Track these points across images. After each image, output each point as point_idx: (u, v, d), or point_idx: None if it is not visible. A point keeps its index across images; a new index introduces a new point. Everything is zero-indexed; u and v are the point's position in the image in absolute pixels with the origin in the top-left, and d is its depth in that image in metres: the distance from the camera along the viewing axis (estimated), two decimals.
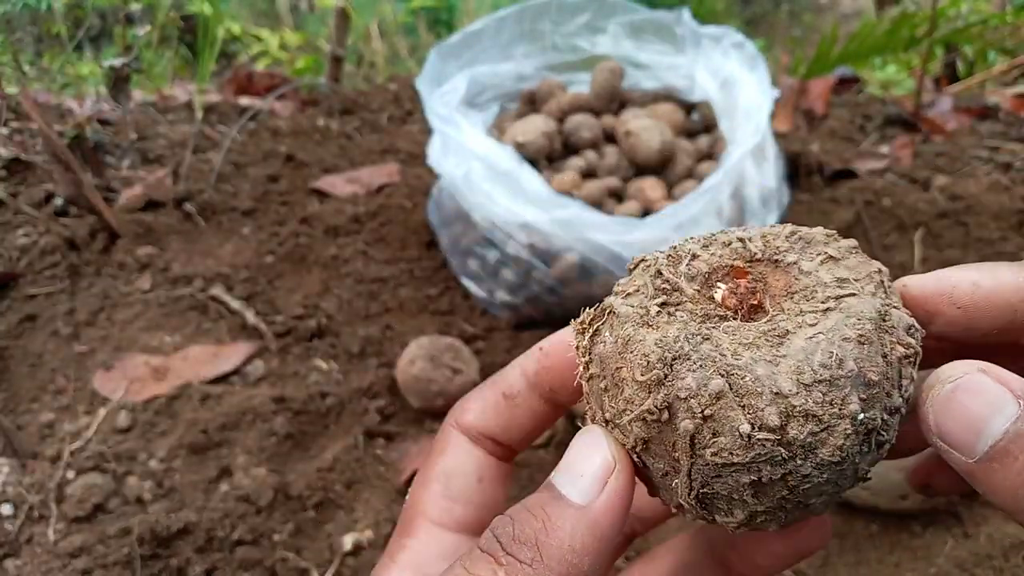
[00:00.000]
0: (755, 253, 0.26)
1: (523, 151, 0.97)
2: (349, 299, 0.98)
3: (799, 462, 0.22)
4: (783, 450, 0.22)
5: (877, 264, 0.26)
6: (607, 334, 0.25)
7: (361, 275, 1.02)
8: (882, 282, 0.25)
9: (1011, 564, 0.73)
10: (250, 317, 0.91)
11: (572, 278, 0.91)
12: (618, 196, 1.01)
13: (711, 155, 1.07)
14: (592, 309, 0.27)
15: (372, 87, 1.59)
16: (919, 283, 0.26)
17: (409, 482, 0.79)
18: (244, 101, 1.45)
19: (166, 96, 1.58)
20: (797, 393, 0.22)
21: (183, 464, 0.75)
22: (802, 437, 0.22)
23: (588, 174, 1.03)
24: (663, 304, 0.25)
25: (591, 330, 0.26)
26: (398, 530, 0.29)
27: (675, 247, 0.28)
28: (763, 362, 0.22)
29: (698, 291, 0.26)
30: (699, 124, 1.10)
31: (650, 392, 0.23)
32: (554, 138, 1.02)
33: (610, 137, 1.06)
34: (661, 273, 0.26)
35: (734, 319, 0.25)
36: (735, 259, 0.26)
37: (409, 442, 0.84)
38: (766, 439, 0.22)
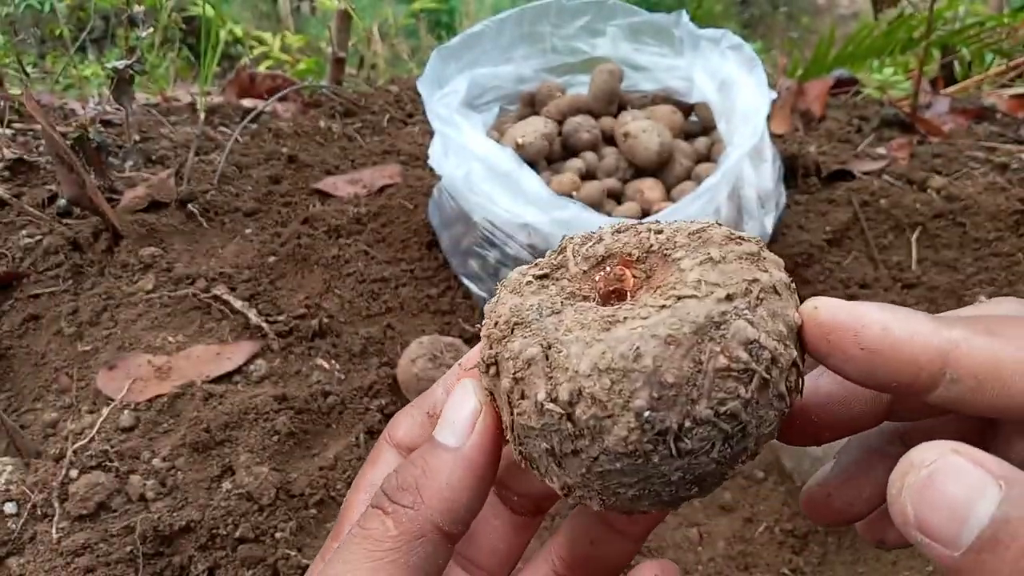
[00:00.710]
0: (651, 246, 0.27)
1: (523, 152, 0.98)
2: (351, 299, 0.99)
3: (587, 443, 0.23)
4: (570, 425, 0.23)
5: (774, 276, 0.25)
6: (490, 323, 0.27)
7: (362, 275, 1.03)
8: (753, 294, 0.24)
9: None
10: (252, 317, 0.91)
11: None
12: (617, 197, 1.02)
13: (709, 156, 1.07)
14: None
15: (373, 89, 1.60)
16: (830, 311, 0.24)
17: None
18: (246, 103, 1.46)
19: (169, 98, 1.59)
20: (589, 376, 0.23)
21: (186, 463, 0.76)
22: (585, 418, 0.23)
23: (587, 175, 1.03)
24: (543, 276, 0.27)
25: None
26: (332, 533, 0.30)
27: (598, 229, 0.29)
28: (581, 342, 0.24)
29: (584, 272, 0.27)
30: (697, 126, 1.11)
31: (490, 348, 0.26)
32: (553, 140, 1.03)
33: (609, 139, 1.07)
34: (564, 250, 0.28)
35: (595, 302, 0.26)
36: (632, 249, 0.27)
37: None
38: (554, 410, 0.23)
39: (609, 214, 0.97)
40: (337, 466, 0.79)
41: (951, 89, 1.75)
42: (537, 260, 0.29)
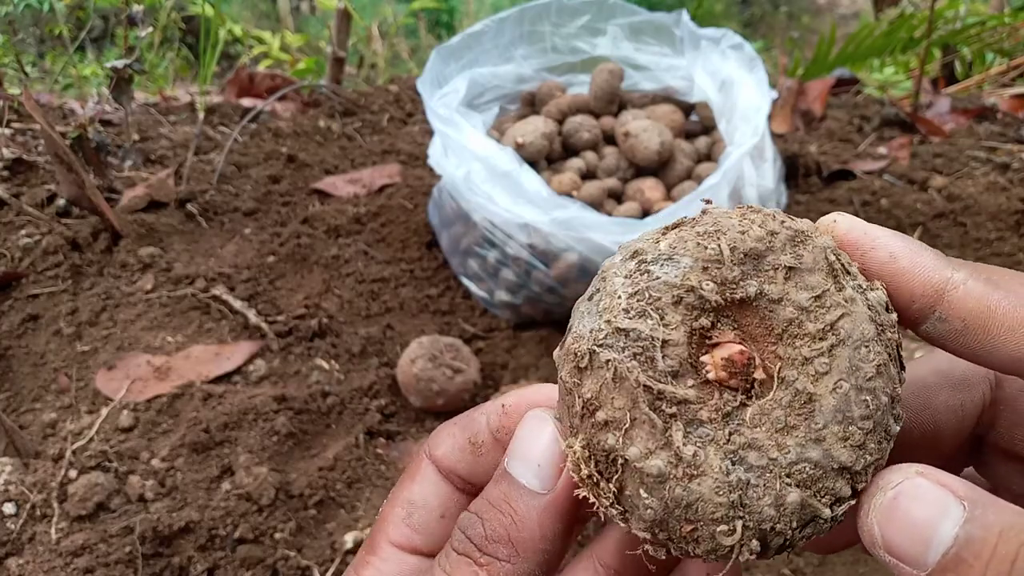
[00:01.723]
0: (713, 300, 0.23)
1: (523, 152, 0.98)
2: (350, 299, 0.99)
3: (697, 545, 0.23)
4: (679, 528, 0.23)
5: (818, 240, 0.24)
6: (642, 493, 0.22)
7: (362, 275, 1.02)
8: (832, 262, 0.24)
9: None
10: (252, 317, 0.91)
11: (572, 278, 0.92)
12: (617, 197, 1.02)
13: (710, 156, 1.07)
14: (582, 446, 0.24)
15: (373, 88, 1.59)
16: (846, 227, 0.25)
17: None
18: (246, 102, 1.46)
19: (168, 97, 1.59)
20: (856, 458, 0.22)
21: (185, 463, 0.76)
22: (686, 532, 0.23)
23: (587, 175, 1.03)
24: (672, 418, 0.22)
25: (593, 473, 0.24)
26: (365, 544, 0.30)
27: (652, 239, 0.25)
28: (810, 444, 0.22)
29: (694, 381, 0.23)
30: (698, 125, 1.11)
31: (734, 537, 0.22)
32: (554, 139, 1.03)
33: (609, 138, 1.07)
34: (640, 382, 0.22)
35: (741, 397, 0.23)
36: (728, 294, 0.23)
37: (410, 441, 0.85)
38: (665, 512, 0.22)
39: (609, 214, 0.97)
40: (336, 466, 0.79)
41: (952, 89, 1.75)
42: (584, 396, 0.23)
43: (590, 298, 0.25)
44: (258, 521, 0.72)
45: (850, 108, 1.47)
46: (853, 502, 0.22)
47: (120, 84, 1.02)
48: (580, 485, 0.24)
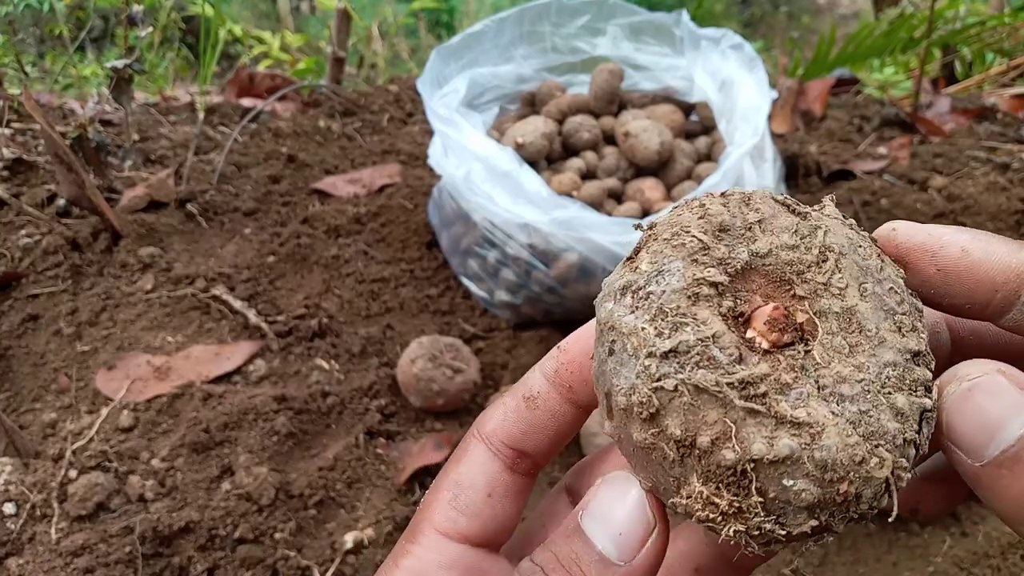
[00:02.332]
0: (723, 280, 0.23)
1: (523, 152, 0.98)
2: (350, 299, 0.99)
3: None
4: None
5: (758, 192, 0.24)
6: (787, 482, 0.21)
7: (362, 275, 1.02)
8: (781, 200, 0.24)
9: (1008, 563, 0.73)
10: (252, 317, 0.91)
11: (572, 278, 0.92)
12: (617, 197, 1.02)
13: (710, 156, 1.07)
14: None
15: (373, 88, 1.59)
16: (907, 233, 0.24)
17: (410, 481, 0.80)
18: (246, 102, 1.46)
19: (168, 97, 1.59)
20: (917, 340, 0.23)
21: (185, 463, 0.76)
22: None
23: (587, 175, 1.03)
24: (765, 397, 0.21)
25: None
26: (406, 534, 0.29)
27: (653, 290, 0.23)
28: (880, 349, 0.22)
29: (758, 357, 0.22)
30: (698, 125, 1.11)
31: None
32: (554, 139, 1.03)
33: (609, 138, 1.07)
34: (721, 383, 0.21)
35: (801, 346, 0.23)
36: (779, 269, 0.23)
37: (410, 441, 0.85)
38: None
39: (609, 214, 0.97)
40: (336, 466, 0.79)
41: (952, 88, 1.75)
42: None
43: (611, 353, 0.23)
44: (258, 521, 0.72)
45: (850, 108, 1.47)
46: (937, 381, 0.23)
47: (120, 84, 1.02)
48: (716, 528, 0.22)
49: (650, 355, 0.22)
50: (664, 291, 0.22)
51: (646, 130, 0.99)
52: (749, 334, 0.23)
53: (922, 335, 0.23)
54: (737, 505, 0.21)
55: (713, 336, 0.22)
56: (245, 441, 0.78)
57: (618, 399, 0.22)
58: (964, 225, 1.16)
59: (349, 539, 0.73)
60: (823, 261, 0.23)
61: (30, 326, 0.90)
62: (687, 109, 1.11)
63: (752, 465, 0.21)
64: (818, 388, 0.22)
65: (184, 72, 2.09)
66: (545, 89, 1.11)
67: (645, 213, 0.97)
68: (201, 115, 1.24)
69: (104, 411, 0.80)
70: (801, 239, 0.24)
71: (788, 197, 0.25)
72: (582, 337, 0.28)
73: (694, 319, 0.22)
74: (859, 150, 1.30)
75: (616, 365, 0.23)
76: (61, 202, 1.02)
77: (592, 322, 0.27)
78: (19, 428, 0.78)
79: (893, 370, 0.22)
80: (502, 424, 0.29)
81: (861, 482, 0.21)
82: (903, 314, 0.23)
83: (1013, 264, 0.23)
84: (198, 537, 0.70)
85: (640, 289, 0.23)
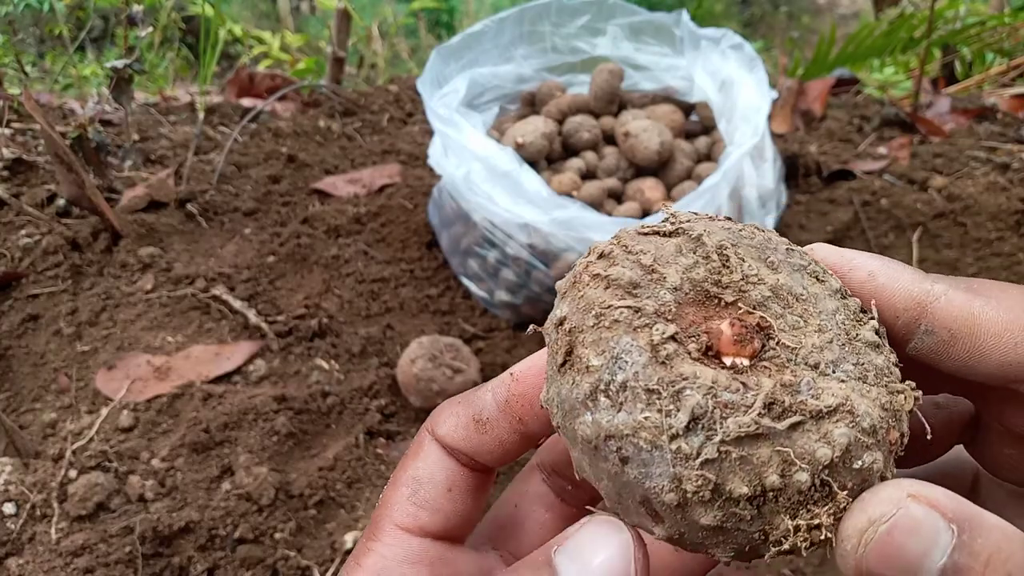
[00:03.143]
0: (671, 332, 0.22)
1: (523, 152, 0.98)
2: (350, 299, 0.99)
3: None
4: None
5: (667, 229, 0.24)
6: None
7: (362, 275, 1.02)
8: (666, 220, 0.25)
9: None
10: (252, 317, 0.91)
11: None
12: (617, 197, 1.02)
13: (710, 156, 1.07)
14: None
15: (373, 88, 1.59)
16: (822, 252, 0.25)
17: None
18: (246, 102, 1.46)
19: (168, 97, 1.59)
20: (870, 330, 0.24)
21: (185, 463, 0.76)
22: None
23: (587, 175, 1.03)
24: (784, 411, 0.21)
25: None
26: (366, 533, 0.28)
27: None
28: (836, 343, 0.23)
29: (747, 379, 0.21)
30: (698, 125, 1.11)
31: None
32: (554, 139, 1.03)
33: (609, 138, 1.07)
34: (739, 423, 0.20)
35: (772, 343, 0.22)
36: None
37: (410, 441, 0.85)
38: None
39: (609, 214, 0.97)
40: (336, 466, 0.79)
41: (952, 89, 1.75)
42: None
43: (625, 461, 0.21)
44: (258, 521, 0.72)
45: (850, 108, 1.47)
46: (846, 521, 0.21)
47: (120, 84, 1.02)
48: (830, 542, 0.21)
49: (674, 437, 0.20)
50: (636, 372, 0.21)
51: (646, 130, 0.99)
52: (728, 361, 0.22)
53: (829, 273, 0.24)
54: (834, 512, 0.21)
55: (713, 382, 0.21)
56: (245, 441, 0.78)
57: (666, 498, 0.21)
58: (964, 226, 1.16)
59: (349, 539, 0.73)
60: (726, 261, 0.23)
61: (30, 326, 0.90)
62: (687, 109, 1.11)
63: (826, 471, 0.21)
64: (813, 368, 0.22)
65: (184, 72, 2.09)
66: (545, 89, 1.11)
67: (645, 213, 0.97)
68: (201, 115, 1.24)
69: (104, 411, 0.80)
70: (695, 253, 0.24)
71: (646, 224, 0.25)
72: (535, 366, 0.27)
73: (684, 379, 0.21)
74: (859, 150, 1.30)
75: (640, 469, 0.21)
76: (61, 202, 1.02)
77: (534, 357, 0.26)
78: (19, 428, 0.78)
79: (840, 314, 0.23)
80: (452, 434, 0.28)
81: (898, 422, 0.22)
82: (810, 264, 0.24)
83: (915, 292, 0.23)
84: (198, 537, 0.70)
85: (609, 384, 0.21)
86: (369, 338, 0.93)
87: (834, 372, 0.22)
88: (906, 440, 0.22)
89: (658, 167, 1.02)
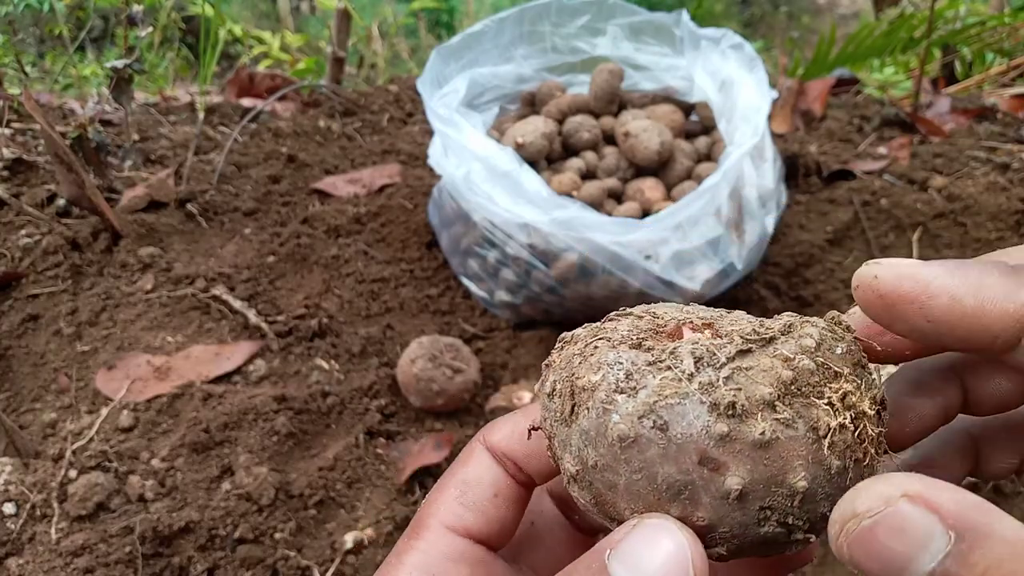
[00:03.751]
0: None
1: (523, 152, 0.98)
2: (350, 299, 0.99)
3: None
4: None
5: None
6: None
7: (362, 275, 1.02)
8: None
9: None
10: (252, 317, 0.91)
11: (572, 278, 0.92)
12: (617, 197, 1.02)
13: (710, 156, 1.07)
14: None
15: (373, 88, 1.59)
16: (891, 281, 0.22)
17: (410, 481, 0.80)
18: (246, 102, 1.46)
19: (168, 97, 1.59)
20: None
21: (185, 463, 0.76)
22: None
23: (587, 175, 1.03)
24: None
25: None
26: (407, 532, 0.29)
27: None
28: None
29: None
30: (698, 125, 1.11)
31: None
32: (554, 139, 1.03)
33: (609, 138, 1.07)
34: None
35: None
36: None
37: (410, 441, 0.85)
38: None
39: (609, 214, 0.97)
40: (336, 466, 0.79)
41: (952, 88, 1.75)
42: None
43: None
44: (258, 521, 0.72)
45: (850, 108, 1.47)
46: (836, 510, 0.22)
47: (120, 84, 1.02)
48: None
49: (691, 377, 0.23)
50: (632, 361, 0.24)
51: (646, 130, 0.99)
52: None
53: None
54: (848, 381, 0.23)
55: (696, 340, 0.24)
56: (245, 441, 0.78)
57: (717, 429, 0.22)
58: (964, 226, 1.16)
59: (349, 539, 0.73)
60: (654, 316, 0.26)
61: (30, 326, 0.90)
62: (687, 109, 1.11)
63: (818, 353, 0.23)
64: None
65: (184, 72, 2.09)
66: (545, 89, 1.11)
67: (645, 213, 0.97)
68: (201, 115, 1.24)
69: (104, 411, 0.80)
70: (628, 320, 0.26)
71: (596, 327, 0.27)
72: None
73: (672, 345, 0.24)
74: (859, 150, 1.30)
75: (681, 424, 0.22)
76: (61, 202, 1.02)
77: None
78: (19, 428, 0.78)
79: (752, 323, 0.26)
80: (507, 440, 0.29)
81: (844, 341, 0.25)
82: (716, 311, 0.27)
83: (1011, 310, 0.21)
84: (198, 537, 0.70)
85: (618, 382, 0.23)
86: (369, 338, 0.93)
87: (777, 324, 0.25)
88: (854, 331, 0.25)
89: (658, 167, 1.02)
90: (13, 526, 0.70)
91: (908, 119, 1.37)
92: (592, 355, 0.24)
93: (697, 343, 0.24)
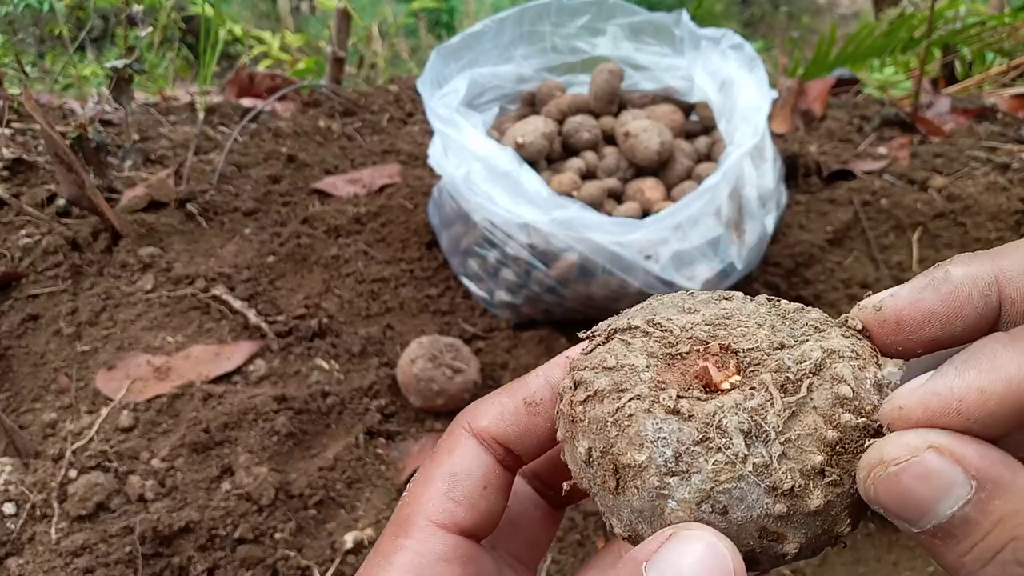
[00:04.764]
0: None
1: (523, 152, 0.98)
2: (350, 299, 0.99)
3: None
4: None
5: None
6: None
7: (362, 275, 1.02)
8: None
9: None
10: (252, 317, 0.91)
11: (572, 278, 0.92)
12: (617, 197, 1.02)
13: (710, 156, 1.07)
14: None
15: (373, 88, 1.59)
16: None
17: (409, 481, 0.80)
18: (246, 102, 1.46)
19: (168, 97, 1.59)
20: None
21: (185, 463, 0.76)
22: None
23: (587, 175, 1.03)
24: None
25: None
26: (392, 530, 0.28)
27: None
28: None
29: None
30: (698, 125, 1.11)
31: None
32: (554, 139, 1.03)
33: (609, 138, 1.07)
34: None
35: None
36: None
37: (410, 441, 0.85)
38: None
39: (610, 214, 0.97)
40: (336, 466, 0.79)
41: (952, 89, 1.75)
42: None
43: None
44: (258, 521, 0.72)
45: (850, 108, 1.47)
46: (863, 457, 0.23)
47: (120, 84, 1.02)
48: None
49: (745, 459, 0.23)
50: (677, 439, 0.23)
51: (646, 130, 0.99)
52: (727, 385, 0.24)
53: (727, 295, 0.27)
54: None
55: (735, 403, 0.23)
56: (245, 441, 0.78)
57: (777, 510, 0.23)
58: (964, 226, 1.16)
59: (349, 539, 0.73)
60: (661, 327, 0.26)
61: (30, 326, 0.90)
62: (687, 109, 1.11)
63: (856, 400, 0.23)
64: (781, 348, 0.24)
65: (184, 72, 2.09)
66: (545, 89, 1.11)
67: (645, 213, 0.97)
68: (201, 115, 1.24)
69: (104, 411, 0.80)
70: (636, 339, 0.26)
71: (582, 347, 0.27)
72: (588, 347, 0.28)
73: (713, 416, 0.23)
74: (859, 150, 1.30)
75: (741, 507, 0.23)
76: (61, 202, 1.02)
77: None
78: (19, 428, 0.78)
79: (763, 307, 0.27)
80: (497, 423, 0.29)
81: (861, 335, 0.26)
82: (714, 295, 0.27)
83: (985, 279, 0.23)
84: (198, 537, 0.70)
85: (667, 463, 0.23)
86: (369, 338, 0.93)
87: (795, 341, 0.25)
88: (870, 335, 0.25)
89: (658, 167, 1.02)
90: (13, 526, 0.70)
91: (908, 119, 1.37)
92: (629, 425, 0.23)
93: (739, 410, 0.23)
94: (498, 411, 0.29)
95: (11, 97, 1.13)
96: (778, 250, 1.08)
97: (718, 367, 0.24)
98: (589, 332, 0.28)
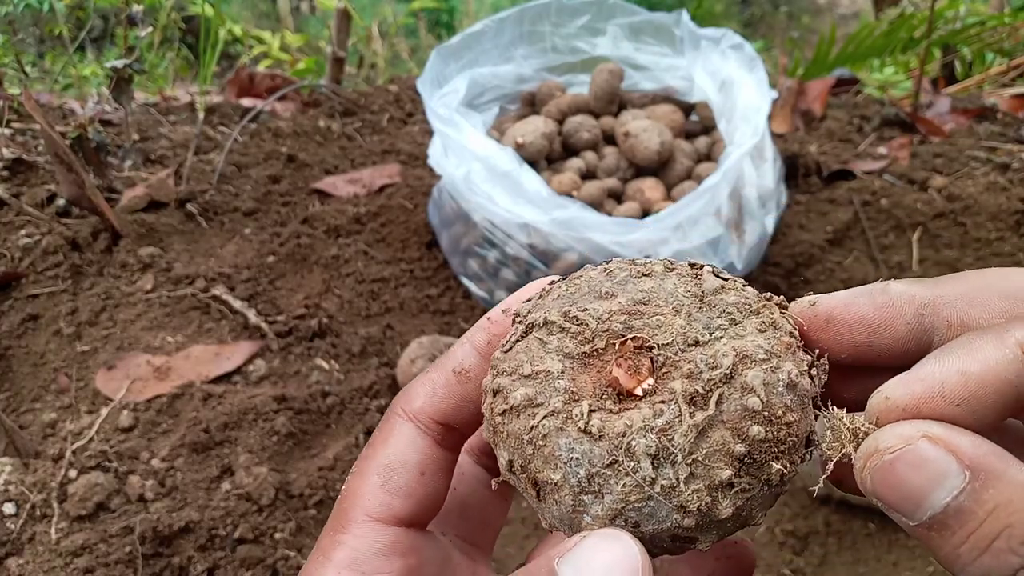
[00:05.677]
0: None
1: (523, 152, 0.98)
2: (350, 299, 0.99)
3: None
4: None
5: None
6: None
7: (362, 275, 1.02)
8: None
9: None
10: (252, 317, 0.91)
11: None
12: (617, 197, 1.02)
13: (710, 156, 1.07)
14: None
15: (373, 88, 1.59)
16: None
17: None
18: (246, 102, 1.46)
19: (168, 97, 1.59)
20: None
21: (185, 463, 0.76)
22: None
23: (587, 175, 1.03)
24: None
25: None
26: (331, 525, 0.27)
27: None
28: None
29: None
30: (698, 125, 1.11)
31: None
32: (554, 139, 1.03)
33: (609, 138, 1.07)
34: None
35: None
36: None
37: None
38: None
39: (609, 214, 0.97)
40: (336, 466, 0.79)
41: (952, 88, 1.75)
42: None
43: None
44: (258, 521, 0.72)
45: (850, 108, 1.47)
46: (860, 449, 0.23)
47: (120, 84, 1.02)
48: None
49: (652, 481, 0.23)
50: (589, 460, 0.23)
51: (646, 130, 0.99)
52: (640, 391, 0.24)
53: (650, 259, 0.27)
54: (799, 430, 0.24)
55: (643, 422, 0.23)
56: (245, 441, 0.78)
57: (686, 523, 0.23)
58: (964, 226, 1.16)
59: None
60: (576, 322, 0.25)
61: (30, 326, 0.90)
62: (687, 109, 1.11)
63: (767, 412, 0.23)
64: (696, 344, 0.24)
65: (184, 72, 2.09)
66: (545, 89, 1.11)
67: (645, 213, 0.97)
68: (201, 115, 1.24)
69: (104, 411, 0.80)
70: (551, 335, 0.25)
71: (504, 341, 0.26)
72: (510, 306, 0.28)
73: (622, 436, 0.23)
74: (859, 150, 1.30)
75: (652, 521, 0.24)
76: (61, 202, 1.02)
77: (524, 289, 0.28)
78: (19, 428, 0.78)
79: (680, 286, 0.26)
80: (431, 400, 0.28)
81: (780, 330, 0.25)
82: (632, 266, 0.27)
83: (1010, 374, 0.21)
84: (198, 537, 0.70)
85: (580, 483, 0.24)
86: (369, 338, 0.93)
87: (710, 335, 0.24)
88: (797, 333, 0.25)
89: (658, 167, 1.02)
90: (13, 526, 0.70)
91: (908, 119, 1.37)
92: (543, 445, 0.24)
93: (647, 431, 0.23)
94: (429, 389, 0.28)
95: (11, 97, 1.13)
96: (778, 250, 1.08)
97: (630, 373, 0.24)
98: (508, 308, 0.28)
